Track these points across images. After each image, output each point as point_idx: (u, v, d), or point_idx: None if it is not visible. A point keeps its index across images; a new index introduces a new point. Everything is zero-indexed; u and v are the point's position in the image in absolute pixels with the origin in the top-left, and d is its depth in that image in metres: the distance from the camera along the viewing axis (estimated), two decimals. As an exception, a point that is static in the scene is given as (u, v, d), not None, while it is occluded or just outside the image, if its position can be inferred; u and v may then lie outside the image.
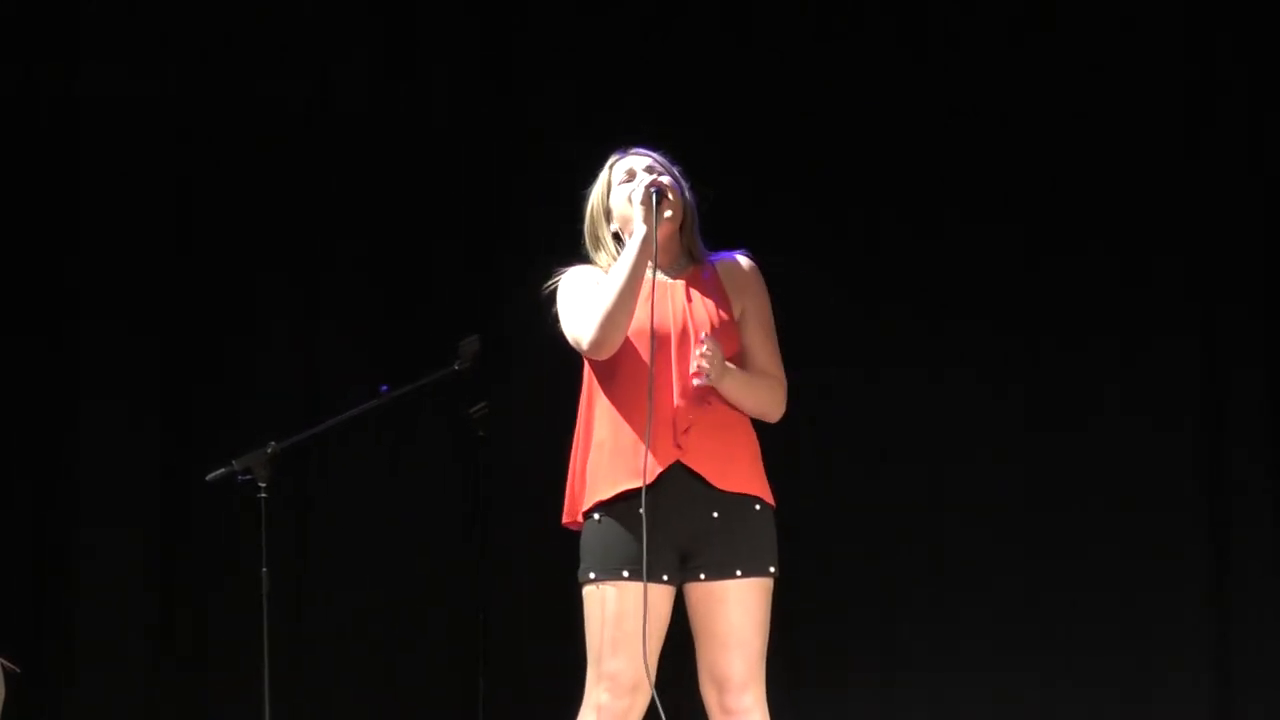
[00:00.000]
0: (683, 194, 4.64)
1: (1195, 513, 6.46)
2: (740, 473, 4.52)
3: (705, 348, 4.44)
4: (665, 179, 4.60)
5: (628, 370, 4.53)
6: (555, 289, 4.67)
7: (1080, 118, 6.53)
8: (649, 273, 4.52)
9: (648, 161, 4.66)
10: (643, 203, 4.52)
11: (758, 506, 4.54)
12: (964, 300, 6.54)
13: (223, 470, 5.22)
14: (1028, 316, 6.55)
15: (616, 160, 4.70)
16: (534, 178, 6.55)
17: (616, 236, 4.66)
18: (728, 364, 4.52)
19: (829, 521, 6.49)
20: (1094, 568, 6.46)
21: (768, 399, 4.58)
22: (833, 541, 6.50)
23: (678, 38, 6.65)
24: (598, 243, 4.69)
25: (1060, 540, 6.47)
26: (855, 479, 6.54)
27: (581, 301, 4.57)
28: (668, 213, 4.55)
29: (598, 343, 4.50)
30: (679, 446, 4.46)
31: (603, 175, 4.71)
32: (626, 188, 4.63)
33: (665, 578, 4.46)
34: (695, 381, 4.44)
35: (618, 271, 4.51)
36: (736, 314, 4.61)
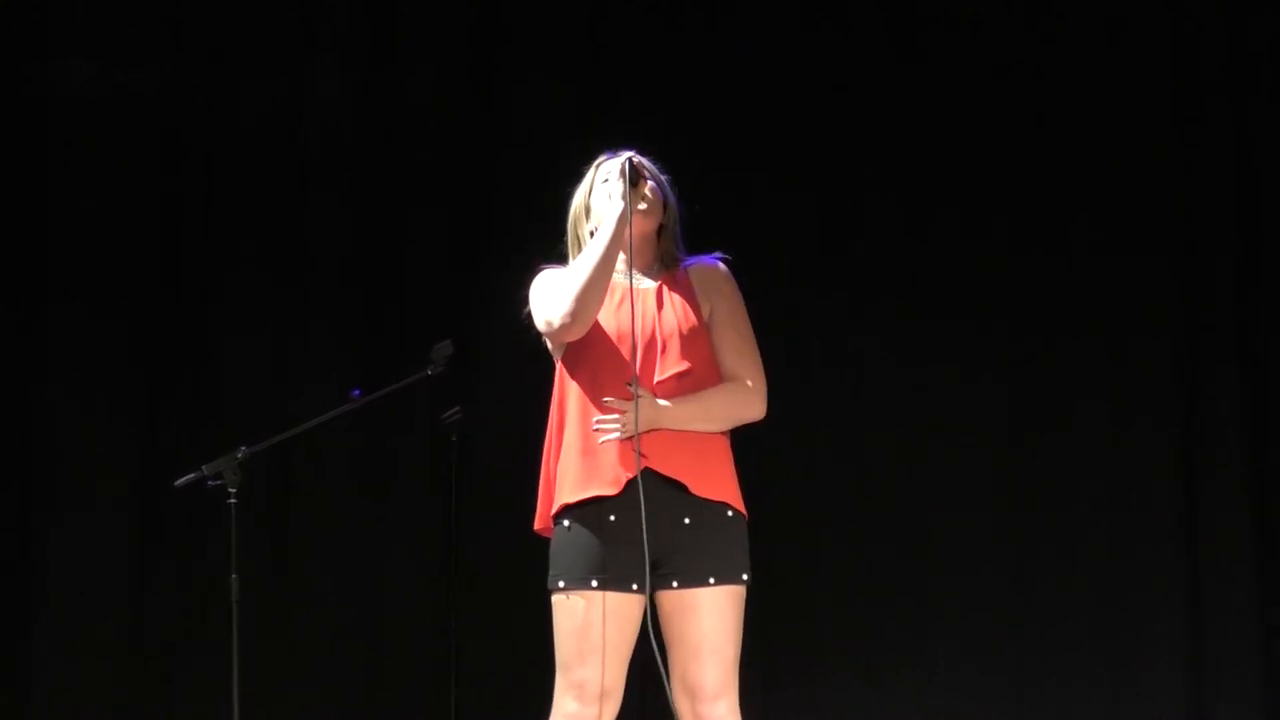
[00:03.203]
0: (665, 199, 4.58)
1: (1176, 511, 6.43)
2: (712, 478, 4.46)
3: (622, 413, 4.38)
4: (648, 183, 4.53)
5: (595, 375, 4.46)
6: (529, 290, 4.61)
7: (1068, 114, 6.52)
8: (624, 278, 4.50)
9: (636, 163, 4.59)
10: (619, 178, 4.47)
11: (730, 513, 4.47)
12: (948, 298, 6.51)
13: (192, 476, 5.13)
14: (1012, 315, 6.52)
15: (603, 161, 4.63)
16: (515, 181, 6.51)
17: (593, 234, 4.58)
18: (661, 403, 4.42)
19: (807, 522, 6.45)
20: (1078, 567, 6.42)
21: (732, 408, 4.50)
22: (813, 542, 6.46)
23: (662, 42, 6.61)
24: (576, 241, 4.63)
25: (1044, 540, 6.43)
26: (835, 479, 6.49)
27: (553, 288, 4.51)
28: (643, 205, 4.49)
29: (570, 315, 4.43)
30: (644, 454, 4.39)
31: (588, 175, 4.65)
32: (608, 187, 4.55)
33: (635, 586, 4.39)
34: (600, 439, 4.39)
35: (592, 248, 4.46)
36: (705, 315, 4.54)
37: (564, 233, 4.67)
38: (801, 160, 6.57)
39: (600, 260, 4.43)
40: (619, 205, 4.45)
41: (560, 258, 4.65)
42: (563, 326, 4.45)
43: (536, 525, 4.55)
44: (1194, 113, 6.50)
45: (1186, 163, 6.51)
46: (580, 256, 4.49)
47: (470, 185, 6.64)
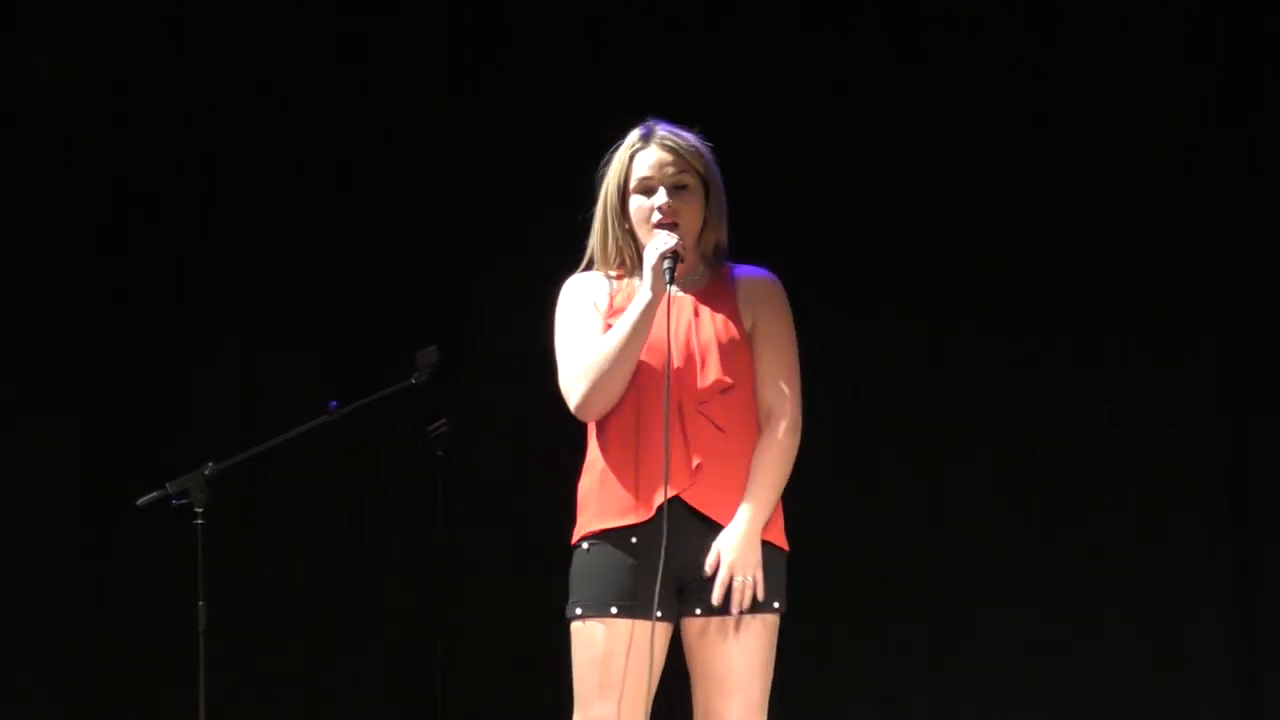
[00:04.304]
0: (707, 188, 4.20)
1: (1217, 536, 6.29)
2: None
3: (743, 578, 4.05)
4: (675, 240, 4.10)
5: (633, 393, 4.10)
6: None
7: (1068, 114, 6.43)
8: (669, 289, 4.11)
9: (670, 166, 4.15)
10: (653, 269, 4.05)
11: (767, 545, 4.14)
12: (948, 297, 6.42)
13: (155, 494, 4.87)
14: (1014, 313, 6.41)
15: (638, 150, 4.20)
16: (515, 182, 6.39)
17: (632, 235, 4.19)
18: (745, 527, 4.08)
19: (822, 549, 6.29)
20: (1110, 598, 6.29)
21: (788, 467, 4.18)
22: (825, 569, 6.31)
23: (662, 42, 6.52)
24: (611, 235, 4.22)
25: (1074, 568, 6.32)
26: (836, 482, 6.35)
27: (575, 346, 4.14)
28: (674, 290, 4.10)
29: (584, 408, 4.11)
30: (687, 478, 4.04)
31: (620, 161, 4.21)
32: (645, 204, 4.15)
33: (660, 614, 4.05)
34: (745, 608, 4.04)
35: (615, 337, 4.06)
36: (747, 327, 4.19)
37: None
38: (801, 160, 6.46)
39: (621, 353, 4.06)
40: (647, 295, 4.05)
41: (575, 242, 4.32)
42: (577, 411, 4.14)
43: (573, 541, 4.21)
44: (1194, 112, 6.39)
45: (1186, 163, 6.39)
46: (604, 340, 4.10)
47: (469, 186, 6.52)
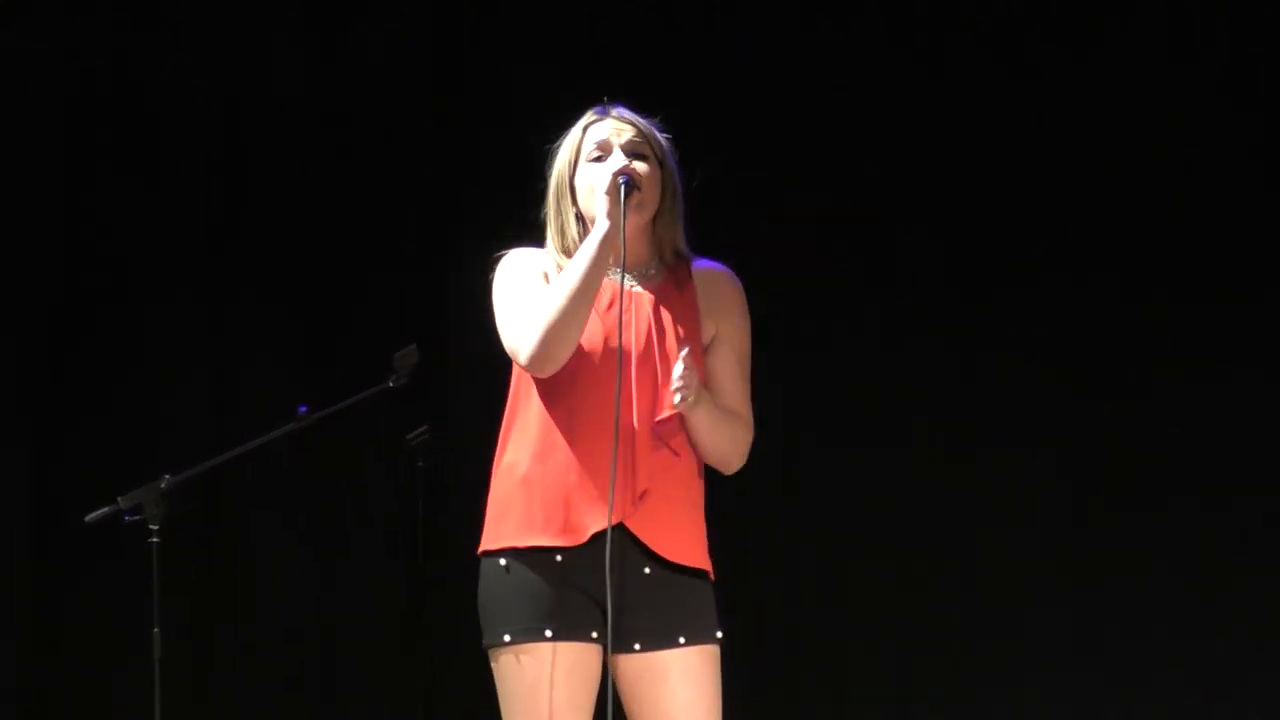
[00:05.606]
0: (661, 174, 3.85)
1: (1229, 535, 6.15)
2: (687, 545, 3.77)
3: (682, 368, 3.64)
4: (640, 165, 3.81)
5: (574, 393, 3.77)
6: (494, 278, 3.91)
7: (1068, 114, 6.37)
8: (616, 278, 3.79)
9: (629, 133, 3.85)
10: (607, 193, 3.72)
11: (698, 571, 3.80)
12: (947, 297, 6.33)
13: (106, 510, 4.49)
14: (1035, 332, 6.33)
15: (592, 122, 3.88)
16: (486, 166, 6.35)
17: (579, 217, 3.88)
18: (704, 390, 3.73)
19: (822, 549, 6.27)
20: (1113, 602, 6.19)
21: (734, 444, 3.80)
22: (825, 571, 6.27)
23: (662, 42, 6.44)
24: (558, 218, 3.91)
25: (1076, 571, 6.22)
26: (850, 505, 6.28)
27: (521, 300, 3.79)
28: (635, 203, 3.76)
29: (540, 358, 3.70)
30: (631, 506, 3.71)
31: (573, 136, 3.90)
32: (596, 167, 3.84)
33: (595, 635, 3.72)
34: (675, 400, 3.64)
35: (570, 273, 3.69)
36: (706, 338, 3.84)
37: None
38: (801, 160, 6.37)
39: (577, 291, 3.68)
40: (604, 225, 3.71)
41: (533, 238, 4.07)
42: (532, 364, 3.74)
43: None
44: (1192, 112, 6.31)
45: (1186, 163, 6.31)
46: (556, 281, 3.76)
47: (467, 187, 6.44)
